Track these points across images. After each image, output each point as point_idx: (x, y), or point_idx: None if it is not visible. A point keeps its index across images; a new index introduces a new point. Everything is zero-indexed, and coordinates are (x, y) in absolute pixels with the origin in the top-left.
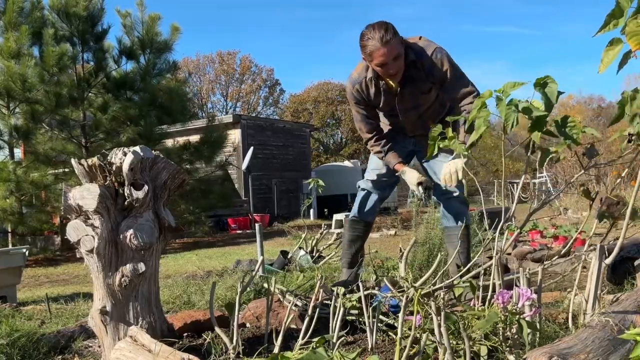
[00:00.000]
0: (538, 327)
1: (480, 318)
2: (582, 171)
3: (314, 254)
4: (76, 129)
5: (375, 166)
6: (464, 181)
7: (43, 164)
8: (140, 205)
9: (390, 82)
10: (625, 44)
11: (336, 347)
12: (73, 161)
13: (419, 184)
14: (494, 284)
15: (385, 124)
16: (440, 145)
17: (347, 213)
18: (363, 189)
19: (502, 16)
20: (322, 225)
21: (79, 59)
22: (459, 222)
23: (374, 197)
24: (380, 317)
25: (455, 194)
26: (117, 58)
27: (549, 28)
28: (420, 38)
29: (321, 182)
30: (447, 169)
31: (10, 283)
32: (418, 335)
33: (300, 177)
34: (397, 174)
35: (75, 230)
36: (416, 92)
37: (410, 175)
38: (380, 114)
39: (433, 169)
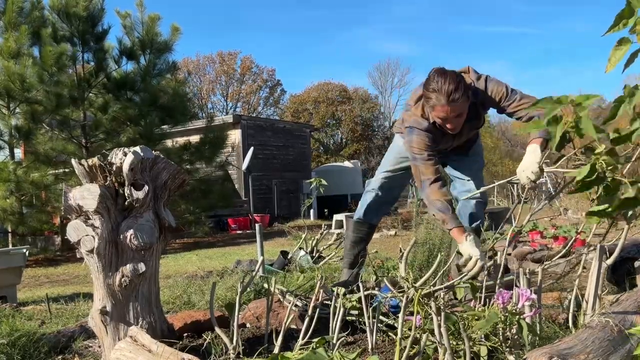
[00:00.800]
0: (538, 327)
1: (480, 318)
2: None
3: (314, 254)
4: (76, 129)
5: (390, 165)
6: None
7: (43, 164)
8: (141, 205)
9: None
10: (634, 43)
11: (336, 347)
12: (73, 161)
13: (478, 261)
14: (493, 285)
15: None
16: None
17: (347, 213)
18: (372, 190)
19: (502, 16)
20: (322, 226)
21: (79, 59)
22: (473, 224)
23: (382, 200)
24: (381, 317)
25: (477, 196)
26: (117, 58)
27: (549, 28)
28: (469, 69)
29: (324, 182)
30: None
31: (11, 283)
32: (418, 336)
33: (300, 177)
34: (459, 245)
35: (75, 230)
36: (472, 127)
37: (469, 248)
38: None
39: (458, 167)
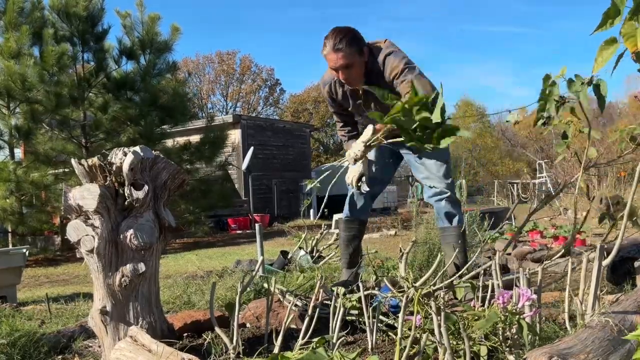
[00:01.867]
0: (538, 327)
1: (480, 318)
2: (582, 171)
3: (314, 254)
4: (76, 129)
5: (371, 161)
6: (463, 181)
7: (43, 164)
8: (141, 205)
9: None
10: (621, 44)
11: (336, 347)
12: (73, 161)
13: (359, 178)
14: (493, 284)
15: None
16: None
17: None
18: (351, 188)
19: (503, 16)
20: (322, 226)
21: (79, 59)
22: (453, 222)
23: (364, 197)
24: (380, 317)
25: (444, 195)
26: (117, 58)
27: (550, 28)
28: (385, 41)
29: (317, 183)
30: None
31: (11, 283)
32: (418, 336)
33: (300, 177)
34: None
35: (75, 230)
36: (379, 101)
37: (354, 169)
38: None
39: (418, 171)
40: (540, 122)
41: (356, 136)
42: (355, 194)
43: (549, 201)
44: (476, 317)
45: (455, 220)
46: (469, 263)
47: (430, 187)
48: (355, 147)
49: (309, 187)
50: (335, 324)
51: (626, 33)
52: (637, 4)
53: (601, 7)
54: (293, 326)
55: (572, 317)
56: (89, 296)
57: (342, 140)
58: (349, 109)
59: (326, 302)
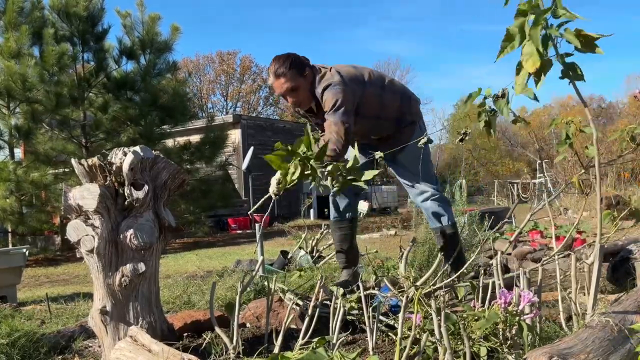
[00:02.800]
0: (538, 327)
1: (479, 319)
2: (583, 171)
3: (314, 254)
4: (76, 128)
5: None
6: (463, 181)
7: (43, 163)
8: (141, 205)
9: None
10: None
11: (336, 347)
12: (73, 161)
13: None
14: (493, 284)
15: None
16: None
17: None
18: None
19: (503, 15)
20: (322, 225)
21: (79, 59)
22: (442, 221)
23: (346, 197)
24: (381, 317)
25: (427, 194)
26: (117, 58)
27: None
28: (330, 69)
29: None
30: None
31: (11, 283)
32: (418, 336)
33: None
34: None
35: (75, 230)
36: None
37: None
38: None
39: (399, 175)
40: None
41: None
42: (338, 195)
43: (550, 200)
44: (476, 318)
45: (445, 219)
46: (468, 262)
47: (411, 186)
48: (272, 185)
49: (312, 185)
50: (335, 324)
51: (526, 53)
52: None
53: (601, 6)
54: (293, 326)
55: (570, 318)
56: (89, 296)
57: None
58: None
59: (326, 302)
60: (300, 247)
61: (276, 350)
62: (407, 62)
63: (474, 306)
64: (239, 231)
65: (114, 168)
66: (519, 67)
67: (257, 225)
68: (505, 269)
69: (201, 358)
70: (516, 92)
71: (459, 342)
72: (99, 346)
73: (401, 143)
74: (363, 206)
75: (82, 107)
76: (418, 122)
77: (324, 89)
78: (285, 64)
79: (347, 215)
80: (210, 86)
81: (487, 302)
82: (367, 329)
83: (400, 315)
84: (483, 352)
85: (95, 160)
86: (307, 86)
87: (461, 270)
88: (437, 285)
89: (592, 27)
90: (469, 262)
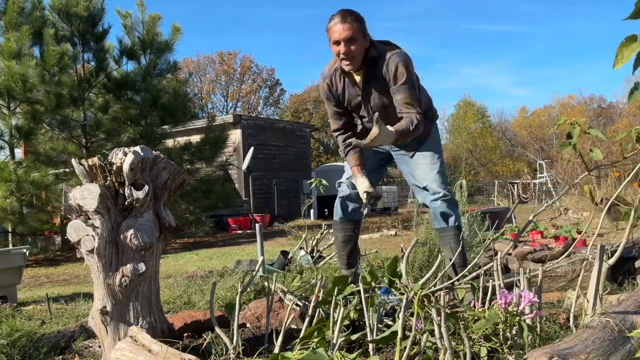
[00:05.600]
0: (538, 327)
1: (480, 319)
2: (586, 173)
3: (314, 254)
4: (77, 129)
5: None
6: (464, 182)
7: (43, 164)
8: (141, 205)
9: (355, 76)
10: None
11: (336, 347)
12: (73, 161)
13: (366, 192)
14: (494, 285)
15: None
16: None
17: None
18: (342, 190)
19: (504, 15)
20: (323, 226)
21: (79, 59)
22: (449, 222)
23: (354, 196)
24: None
25: (438, 195)
26: (117, 58)
27: (551, 27)
28: (389, 43)
29: (324, 182)
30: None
31: (11, 283)
32: (419, 336)
33: (300, 177)
34: (348, 177)
35: (75, 230)
36: (381, 91)
37: (361, 182)
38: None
39: (409, 172)
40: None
41: (354, 136)
42: (345, 196)
43: (551, 204)
44: (476, 318)
45: (452, 220)
46: (470, 265)
47: (422, 187)
48: (361, 193)
49: (313, 185)
50: (336, 324)
51: None
52: None
53: (601, 6)
54: (293, 326)
55: (574, 318)
56: (89, 296)
57: (342, 151)
58: (348, 107)
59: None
60: (300, 247)
61: (276, 350)
62: None
63: (474, 306)
64: (239, 231)
65: (114, 168)
66: (627, 42)
67: (257, 225)
68: (506, 270)
69: (201, 358)
70: (614, 66)
71: (460, 343)
72: (99, 346)
73: (420, 139)
74: (363, 206)
75: (82, 108)
76: (435, 120)
77: (395, 53)
78: (354, 15)
79: (353, 217)
80: (210, 86)
81: (487, 302)
82: (367, 329)
83: (401, 315)
84: (483, 352)
85: (95, 160)
86: (364, 46)
87: (463, 272)
88: (438, 287)
89: (593, 27)
90: (472, 264)
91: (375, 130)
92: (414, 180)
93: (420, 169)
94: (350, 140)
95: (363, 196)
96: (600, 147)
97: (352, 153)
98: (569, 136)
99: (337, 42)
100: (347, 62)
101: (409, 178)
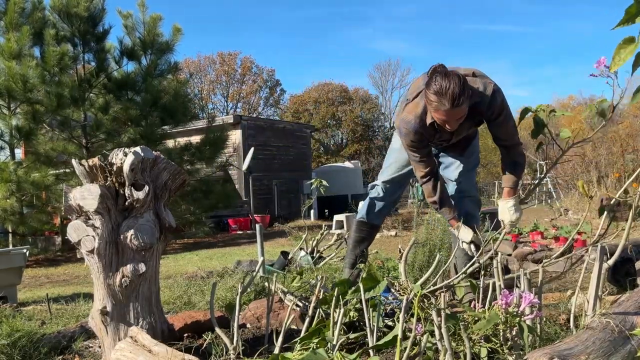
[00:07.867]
0: (538, 328)
1: (480, 319)
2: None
3: (314, 255)
4: (77, 129)
5: (394, 166)
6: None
7: (44, 164)
8: (141, 205)
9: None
10: None
11: (336, 347)
12: (74, 161)
13: (471, 242)
14: (494, 285)
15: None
16: None
17: (348, 214)
18: (375, 192)
19: (504, 15)
20: (323, 226)
21: (80, 60)
22: (470, 223)
23: (384, 202)
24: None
25: (471, 195)
26: (118, 59)
27: (551, 28)
28: (473, 73)
29: (325, 182)
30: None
31: (11, 283)
32: (419, 337)
33: (300, 177)
34: (451, 228)
35: (75, 230)
36: (471, 125)
37: (464, 233)
38: None
39: (446, 165)
40: None
41: (446, 199)
42: (378, 197)
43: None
44: (477, 318)
45: (472, 221)
46: (471, 265)
47: (458, 181)
48: (466, 244)
49: (313, 186)
50: (336, 324)
51: None
52: None
53: (603, 7)
54: (294, 327)
55: (574, 318)
56: (89, 296)
57: (432, 200)
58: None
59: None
60: (300, 248)
61: (276, 350)
62: (408, 63)
63: (474, 306)
64: (239, 232)
65: (114, 168)
66: (624, 44)
67: (257, 225)
68: (506, 270)
69: (201, 358)
70: (611, 69)
71: (460, 344)
72: (100, 346)
73: (469, 140)
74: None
75: (82, 108)
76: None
77: (492, 94)
78: (464, 92)
79: (374, 221)
80: (210, 87)
81: (488, 302)
82: (368, 330)
83: (401, 316)
84: (483, 352)
85: (95, 160)
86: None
87: (461, 272)
88: (437, 286)
89: (593, 27)
90: (475, 266)
91: (508, 219)
92: (451, 177)
93: (462, 169)
94: (475, 241)
95: (468, 247)
96: (602, 147)
97: (447, 206)
98: (536, 124)
99: (446, 123)
100: (453, 129)
101: (444, 172)
